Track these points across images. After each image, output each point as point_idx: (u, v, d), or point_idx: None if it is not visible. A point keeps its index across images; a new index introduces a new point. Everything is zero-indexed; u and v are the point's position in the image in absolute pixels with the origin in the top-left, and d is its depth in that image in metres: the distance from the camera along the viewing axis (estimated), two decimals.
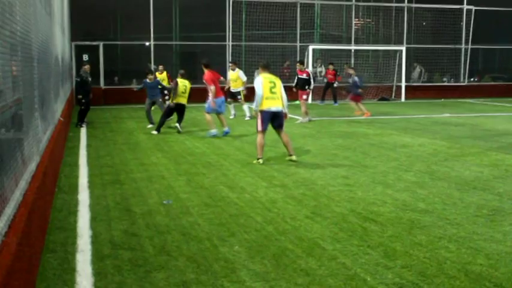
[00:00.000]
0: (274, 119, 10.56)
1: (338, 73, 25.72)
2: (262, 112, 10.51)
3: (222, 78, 14.26)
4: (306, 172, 9.63)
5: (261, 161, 10.51)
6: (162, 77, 20.54)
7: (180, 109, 15.13)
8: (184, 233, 6.22)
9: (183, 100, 14.97)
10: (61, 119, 11.43)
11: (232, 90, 18.66)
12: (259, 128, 10.55)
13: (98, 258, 5.41)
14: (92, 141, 13.42)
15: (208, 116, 14.37)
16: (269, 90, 10.47)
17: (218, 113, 14.39)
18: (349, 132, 15.02)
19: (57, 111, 11.02)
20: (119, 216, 6.92)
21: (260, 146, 10.55)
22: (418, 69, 29.56)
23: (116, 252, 5.59)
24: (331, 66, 25.55)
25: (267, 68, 10.96)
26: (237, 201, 7.66)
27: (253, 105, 10.80)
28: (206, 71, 14.27)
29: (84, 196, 7.98)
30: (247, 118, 18.27)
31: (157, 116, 15.97)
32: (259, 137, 10.56)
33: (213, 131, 14.25)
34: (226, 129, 14.37)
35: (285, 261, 5.33)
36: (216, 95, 14.19)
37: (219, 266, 5.21)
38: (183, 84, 14.93)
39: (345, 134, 14.67)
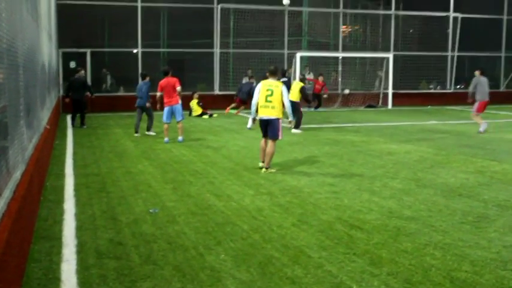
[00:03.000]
0: (267, 127, 10.51)
1: (326, 85, 25.87)
2: (259, 119, 10.61)
3: (178, 87, 14.23)
4: (292, 180, 9.65)
5: (260, 164, 10.63)
6: None
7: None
8: (171, 241, 6.20)
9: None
10: (47, 126, 11.38)
11: None
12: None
13: (83, 268, 5.38)
14: (79, 149, 13.36)
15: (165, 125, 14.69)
16: (265, 98, 10.38)
17: (177, 121, 14.67)
18: (336, 140, 15.07)
19: (43, 119, 10.97)
20: (104, 225, 6.89)
21: (260, 150, 10.72)
22: (379, 76, 29.54)
23: (101, 261, 5.56)
24: (321, 78, 25.54)
25: (274, 74, 10.68)
26: (224, 209, 7.65)
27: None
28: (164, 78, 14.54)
29: (70, 205, 7.93)
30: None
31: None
32: (263, 144, 10.71)
33: (166, 138, 14.59)
34: (179, 138, 14.63)
35: (271, 270, 5.33)
36: (165, 103, 14.50)
37: (205, 274, 5.20)
38: None
39: (332, 142, 14.71)
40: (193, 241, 6.22)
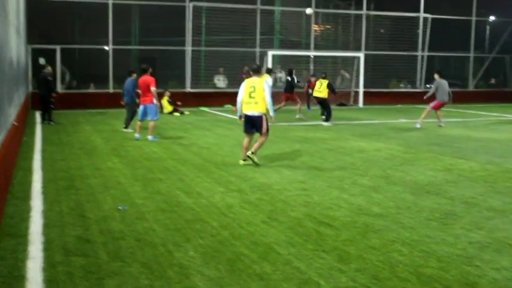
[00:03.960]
0: (252, 123, 10.85)
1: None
2: (244, 115, 10.98)
3: (152, 88, 14.18)
4: (263, 177, 9.66)
5: (241, 161, 10.92)
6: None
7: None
8: (139, 238, 6.16)
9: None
10: (15, 123, 11.21)
11: None
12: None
13: (49, 265, 5.32)
14: (47, 146, 13.19)
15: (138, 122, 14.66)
16: (248, 95, 10.78)
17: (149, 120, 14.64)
18: (306, 138, 15.13)
19: (11, 116, 10.79)
20: (72, 222, 6.82)
21: (243, 148, 10.97)
22: (341, 75, 29.76)
23: (68, 259, 5.50)
24: (313, 78, 25.11)
25: (257, 72, 11.11)
26: (194, 206, 7.63)
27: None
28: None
29: (37, 202, 7.83)
30: None
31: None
32: (244, 140, 11.03)
33: (136, 135, 14.57)
34: (149, 137, 14.46)
35: (240, 266, 5.33)
36: (140, 102, 14.57)
37: (173, 271, 5.18)
38: None
39: (303, 139, 14.77)
40: (162, 238, 6.19)
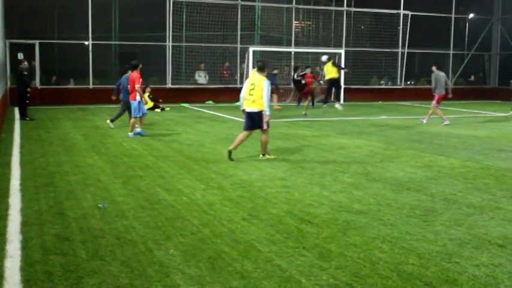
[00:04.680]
0: (253, 120, 11.09)
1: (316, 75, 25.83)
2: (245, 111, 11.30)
3: (136, 85, 14.18)
4: (244, 174, 9.64)
5: (228, 153, 11.06)
6: None
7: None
8: (119, 236, 6.11)
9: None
10: None
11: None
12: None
13: (27, 264, 5.24)
14: (26, 143, 13.04)
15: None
16: (248, 92, 11.04)
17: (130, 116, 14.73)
18: (288, 134, 15.13)
19: None
20: (51, 220, 6.74)
21: (237, 139, 11.25)
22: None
23: (47, 257, 5.43)
24: (308, 70, 25.05)
25: (261, 70, 11.22)
26: (174, 203, 7.58)
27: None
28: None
29: (15, 200, 7.73)
30: None
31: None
32: (242, 133, 11.29)
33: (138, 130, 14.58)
34: (129, 133, 14.52)
35: (221, 264, 5.30)
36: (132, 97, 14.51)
37: (153, 270, 5.14)
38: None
39: (284, 136, 14.77)
40: (142, 236, 6.14)
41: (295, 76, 24.45)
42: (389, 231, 6.44)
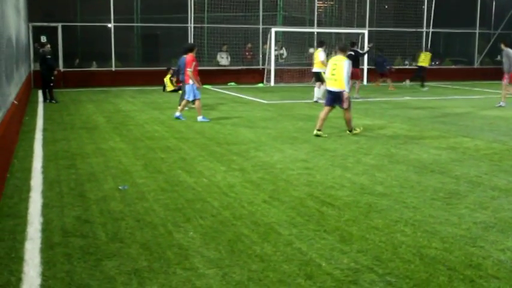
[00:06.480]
0: (334, 98, 11.68)
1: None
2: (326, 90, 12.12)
3: (188, 68, 13.94)
4: (265, 156, 9.56)
5: (315, 132, 11.59)
6: None
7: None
8: (139, 219, 6.09)
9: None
10: (15, 102, 11.11)
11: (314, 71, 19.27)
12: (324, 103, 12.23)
13: (47, 247, 5.25)
14: (49, 125, 13.11)
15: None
16: (330, 72, 11.68)
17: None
18: (310, 116, 14.99)
19: (10, 95, 10.68)
20: (72, 202, 6.75)
21: (319, 119, 11.76)
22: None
23: (66, 240, 5.43)
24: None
25: (342, 51, 11.94)
26: (194, 185, 7.54)
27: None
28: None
29: (37, 182, 7.76)
30: (314, 99, 18.81)
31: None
32: (323, 111, 11.89)
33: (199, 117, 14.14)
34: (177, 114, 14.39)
35: (240, 247, 5.25)
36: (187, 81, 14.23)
37: (173, 252, 5.11)
38: None
39: (306, 117, 14.64)
40: (162, 218, 6.11)
41: (361, 52, 23.71)
42: (412, 214, 6.33)
